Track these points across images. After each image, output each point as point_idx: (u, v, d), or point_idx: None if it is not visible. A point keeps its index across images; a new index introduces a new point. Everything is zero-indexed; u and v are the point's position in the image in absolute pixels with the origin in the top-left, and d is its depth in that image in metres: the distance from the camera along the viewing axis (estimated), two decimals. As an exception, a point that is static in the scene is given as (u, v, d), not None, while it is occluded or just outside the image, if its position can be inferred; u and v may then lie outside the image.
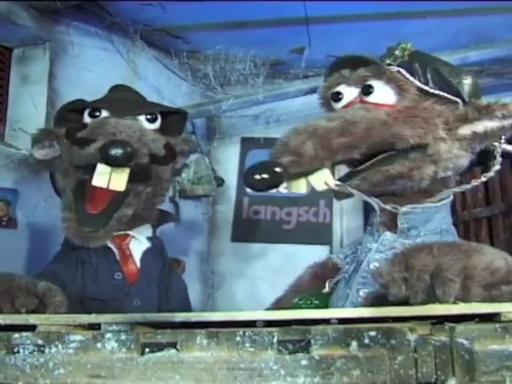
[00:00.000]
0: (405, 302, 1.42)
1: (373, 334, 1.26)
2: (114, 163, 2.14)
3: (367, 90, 2.04)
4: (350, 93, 2.11)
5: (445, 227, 2.07)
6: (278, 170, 1.76)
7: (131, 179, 2.23)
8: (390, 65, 2.06)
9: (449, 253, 1.49)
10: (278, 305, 2.42)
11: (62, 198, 2.43)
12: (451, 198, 2.10)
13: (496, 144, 2.00)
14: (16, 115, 3.41)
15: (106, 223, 2.26)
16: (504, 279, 1.45)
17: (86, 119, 2.41)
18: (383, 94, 2.03)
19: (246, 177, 1.82)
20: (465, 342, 1.23)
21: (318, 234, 4.54)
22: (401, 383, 1.23)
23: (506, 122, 1.91)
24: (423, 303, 1.42)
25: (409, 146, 1.91)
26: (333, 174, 1.91)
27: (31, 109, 3.37)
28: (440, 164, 1.95)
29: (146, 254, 2.47)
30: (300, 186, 1.88)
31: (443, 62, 2.13)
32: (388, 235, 2.05)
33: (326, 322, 1.36)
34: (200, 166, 4.30)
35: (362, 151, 1.88)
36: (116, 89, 2.66)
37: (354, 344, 1.26)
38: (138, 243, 2.48)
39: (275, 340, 1.29)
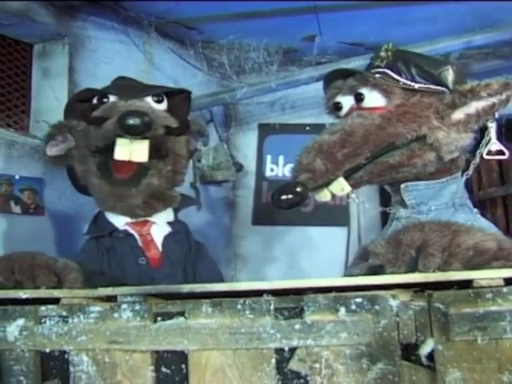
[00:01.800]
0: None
1: (359, 300, 1.40)
2: (133, 132, 2.21)
3: (359, 98, 2.17)
4: (347, 101, 2.23)
5: (457, 201, 2.18)
6: (298, 189, 1.91)
7: (150, 155, 2.29)
8: (378, 66, 2.20)
9: (437, 230, 1.63)
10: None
11: (85, 185, 2.52)
12: (458, 174, 2.22)
13: (489, 123, 2.13)
14: (39, 108, 3.52)
15: (137, 184, 2.36)
16: (493, 257, 1.57)
17: (96, 106, 2.46)
18: (372, 98, 2.14)
19: (275, 200, 1.95)
20: (441, 306, 1.36)
21: (336, 215, 4.62)
22: (384, 344, 1.37)
23: (495, 99, 2.03)
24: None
25: (408, 140, 2.04)
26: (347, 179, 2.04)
27: (53, 101, 3.47)
28: (442, 149, 2.07)
29: (167, 239, 2.51)
30: (325, 195, 2.04)
31: (423, 56, 2.27)
32: (402, 211, 2.21)
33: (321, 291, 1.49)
34: (219, 152, 4.39)
35: (366, 156, 2.02)
36: (119, 79, 2.69)
37: (343, 310, 1.40)
38: (159, 228, 2.52)
39: (272, 307, 1.43)
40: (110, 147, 2.28)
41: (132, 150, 2.26)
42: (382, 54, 2.21)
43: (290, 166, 4.54)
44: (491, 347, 1.34)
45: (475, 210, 2.25)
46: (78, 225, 3.23)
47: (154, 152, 2.33)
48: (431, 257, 1.54)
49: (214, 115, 4.55)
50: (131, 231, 2.48)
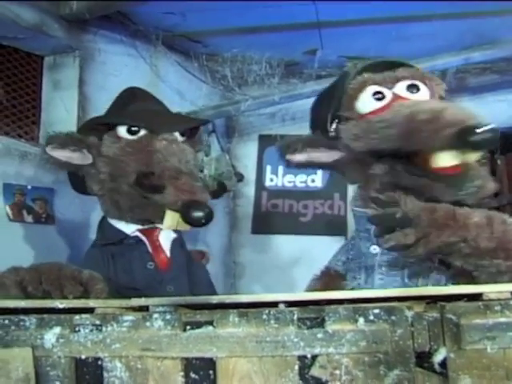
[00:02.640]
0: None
1: (376, 311, 1.48)
2: (196, 225, 2.29)
3: (414, 89, 2.13)
4: (388, 93, 2.13)
5: None
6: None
7: None
8: None
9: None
10: None
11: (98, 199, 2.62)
12: None
13: None
14: (49, 119, 3.59)
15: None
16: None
17: (123, 133, 2.50)
18: (425, 94, 2.13)
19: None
20: (453, 317, 1.44)
21: (334, 225, 4.68)
22: (400, 352, 1.45)
23: None
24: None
25: None
26: None
27: (63, 113, 3.55)
28: None
29: (174, 244, 2.62)
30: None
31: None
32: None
33: (339, 302, 1.58)
34: (220, 162, 4.42)
35: None
36: (133, 96, 2.70)
37: (361, 320, 1.48)
38: (166, 235, 2.60)
39: (295, 317, 1.51)
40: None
41: (179, 221, 2.34)
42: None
43: (289, 177, 4.72)
44: (499, 356, 1.41)
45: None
46: (85, 233, 3.31)
47: None
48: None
49: (215, 126, 4.60)
50: (142, 237, 2.57)
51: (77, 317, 1.63)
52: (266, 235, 4.83)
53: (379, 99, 2.13)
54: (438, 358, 1.45)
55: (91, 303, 1.68)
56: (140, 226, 2.58)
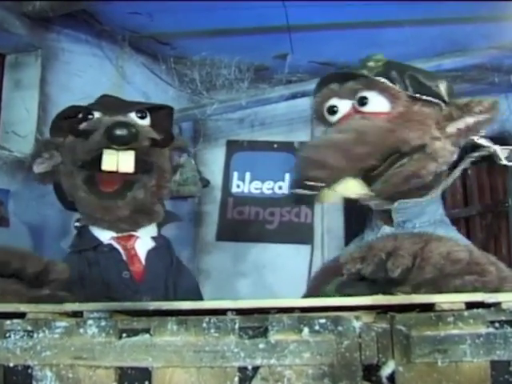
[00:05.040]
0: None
1: (322, 321, 1.41)
2: (121, 142, 2.27)
3: (362, 101, 2.12)
4: (343, 105, 2.17)
5: (438, 218, 2.18)
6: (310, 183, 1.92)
7: (135, 167, 2.34)
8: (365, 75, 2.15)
9: (409, 239, 1.65)
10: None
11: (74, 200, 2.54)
12: (440, 191, 2.18)
13: (475, 138, 2.12)
14: (9, 119, 3.52)
15: (123, 197, 2.39)
16: (466, 270, 1.58)
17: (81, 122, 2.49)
18: (377, 103, 2.10)
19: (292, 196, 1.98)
20: (403, 328, 1.38)
21: (300, 233, 4.67)
22: (346, 365, 1.38)
23: (482, 117, 2.04)
24: (374, 277, 1.59)
25: (411, 148, 2.03)
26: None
27: (23, 113, 3.48)
28: (439, 160, 2.07)
29: (150, 253, 2.52)
30: (329, 197, 2.01)
31: (417, 68, 2.23)
32: (387, 229, 2.16)
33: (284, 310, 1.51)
34: (186, 167, 4.29)
35: (377, 158, 2.00)
36: (103, 97, 2.70)
37: (306, 330, 1.41)
38: (143, 243, 2.53)
39: (237, 326, 1.43)
40: (97, 160, 2.32)
41: (119, 161, 2.31)
42: (371, 64, 2.17)
43: (256, 183, 4.67)
44: (451, 370, 1.35)
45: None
46: (43, 237, 3.23)
47: (140, 165, 2.37)
48: (400, 257, 1.56)
49: (182, 130, 4.57)
50: (116, 245, 2.50)
51: (8, 322, 1.54)
52: (231, 242, 4.79)
53: (333, 113, 2.21)
54: (387, 371, 1.38)
55: (22, 308, 1.59)
56: (114, 233, 2.51)
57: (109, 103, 2.60)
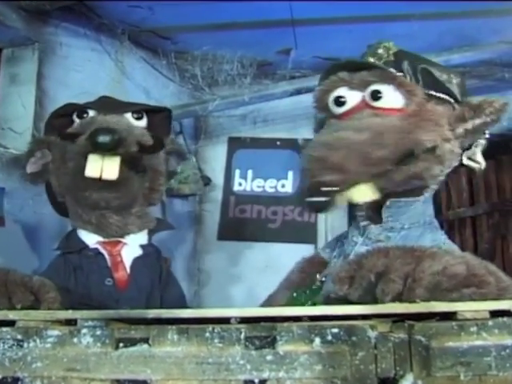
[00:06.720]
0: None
1: (335, 330, 1.32)
2: (103, 149, 2.18)
3: (376, 95, 1.98)
4: (353, 97, 2.03)
5: (428, 220, 2.09)
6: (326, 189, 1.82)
7: (125, 171, 2.26)
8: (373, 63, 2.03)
9: (400, 257, 1.55)
10: (269, 301, 2.43)
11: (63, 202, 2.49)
12: (431, 192, 2.10)
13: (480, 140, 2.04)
14: (5, 115, 3.42)
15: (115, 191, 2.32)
16: (463, 283, 1.49)
17: (75, 121, 2.44)
18: (392, 98, 1.97)
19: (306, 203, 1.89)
20: (422, 339, 1.29)
21: (303, 232, 4.58)
22: (361, 378, 1.29)
23: (490, 118, 1.93)
24: (362, 301, 1.50)
25: (425, 150, 1.91)
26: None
27: (20, 108, 3.39)
28: (445, 163, 1.98)
29: (136, 261, 2.45)
30: (342, 202, 1.89)
31: (429, 60, 2.10)
32: (373, 228, 2.06)
33: (294, 319, 1.42)
34: (187, 165, 4.28)
35: (393, 162, 1.87)
36: (102, 97, 2.66)
37: (318, 340, 1.32)
38: (130, 250, 2.46)
39: (242, 336, 1.35)
40: (83, 163, 2.24)
41: (103, 168, 2.22)
42: (381, 51, 2.04)
43: (258, 181, 4.60)
44: (475, 384, 1.27)
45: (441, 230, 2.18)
46: (39, 237, 3.15)
47: (129, 168, 2.29)
48: (391, 283, 1.47)
49: (183, 127, 4.48)
50: (101, 250, 2.42)
51: (-4, 330, 1.45)
52: (232, 242, 4.70)
53: (340, 103, 2.06)
54: (404, 385, 1.29)
55: (11, 315, 1.50)
56: (101, 238, 2.43)
57: (106, 103, 2.55)
